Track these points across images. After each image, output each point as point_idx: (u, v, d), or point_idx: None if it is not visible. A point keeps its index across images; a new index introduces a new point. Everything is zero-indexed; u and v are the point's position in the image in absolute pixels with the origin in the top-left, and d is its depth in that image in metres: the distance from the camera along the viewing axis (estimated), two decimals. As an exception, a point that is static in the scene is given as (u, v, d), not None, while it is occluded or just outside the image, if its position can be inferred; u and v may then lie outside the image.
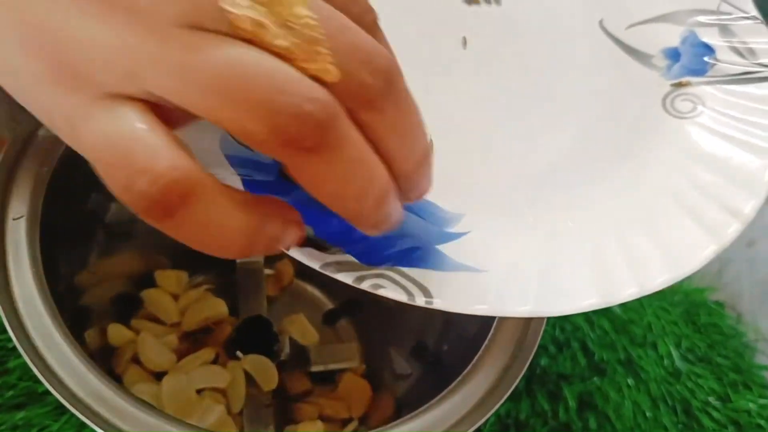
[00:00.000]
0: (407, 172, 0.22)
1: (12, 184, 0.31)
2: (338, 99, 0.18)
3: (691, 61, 0.35)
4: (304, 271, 0.49)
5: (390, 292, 0.26)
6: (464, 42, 0.34)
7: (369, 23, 0.20)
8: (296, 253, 0.26)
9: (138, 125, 0.18)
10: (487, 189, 0.31)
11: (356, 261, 0.26)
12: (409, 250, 0.27)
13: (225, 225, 0.19)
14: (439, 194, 0.29)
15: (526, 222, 0.30)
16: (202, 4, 0.17)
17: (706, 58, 0.35)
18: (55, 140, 0.33)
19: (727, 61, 0.35)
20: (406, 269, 0.27)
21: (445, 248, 0.28)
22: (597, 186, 0.32)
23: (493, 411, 0.30)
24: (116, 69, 0.18)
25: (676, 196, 0.31)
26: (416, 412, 0.30)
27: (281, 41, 0.17)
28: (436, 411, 0.30)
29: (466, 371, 0.31)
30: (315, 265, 0.26)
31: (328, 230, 0.27)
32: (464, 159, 0.32)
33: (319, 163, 0.18)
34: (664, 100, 0.34)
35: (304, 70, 0.18)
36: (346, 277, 0.26)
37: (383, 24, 0.34)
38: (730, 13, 0.36)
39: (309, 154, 0.18)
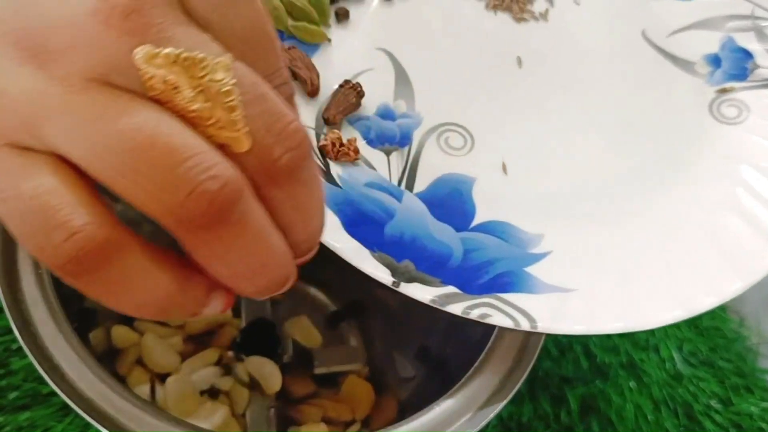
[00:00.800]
0: (299, 244, 0.19)
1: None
2: (246, 169, 0.17)
3: (732, 66, 0.36)
4: (307, 274, 0.49)
5: (497, 320, 0.28)
6: (519, 62, 0.35)
7: (287, 96, 0.19)
8: (405, 288, 0.28)
9: (50, 179, 0.16)
10: (561, 207, 0.32)
11: (460, 292, 0.28)
12: (501, 275, 0.29)
13: (145, 286, 0.17)
14: (517, 216, 0.31)
15: (601, 237, 0.32)
16: (115, 58, 0.16)
17: (745, 63, 0.36)
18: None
19: (766, 65, 0.36)
20: (505, 295, 0.29)
21: (533, 270, 0.30)
22: (658, 197, 0.33)
23: (495, 414, 0.30)
24: (15, 117, 0.16)
25: (733, 204, 0.32)
26: (418, 414, 0.30)
27: (194, 105, 0.16)
28: (438, 413, 0.30)
29: (468, 374, 0.31)
30: (425, 299, 0.28)
31: (425, 265, 0.29)
32: (536, 179, 0.33)
33: (213, 240, 0.17)
34: (710, 106, 0.35)
35: (215, 137, 0.16)
36: (454, 309, 0.28)
37: (445, 51, 0.35)
38: (764, 18, 0.37)
39: (202, 231, 0.16)
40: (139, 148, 0.16)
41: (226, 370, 0.41)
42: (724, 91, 0.35)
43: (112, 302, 0.17)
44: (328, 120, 0.31)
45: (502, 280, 0.29)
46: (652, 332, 0.52)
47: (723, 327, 0.55)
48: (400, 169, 0.31)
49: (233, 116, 0.16)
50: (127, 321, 0.42)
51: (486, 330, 0.34)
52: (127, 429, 0.28)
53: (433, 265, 0.29)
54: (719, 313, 0.56)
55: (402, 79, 0.33)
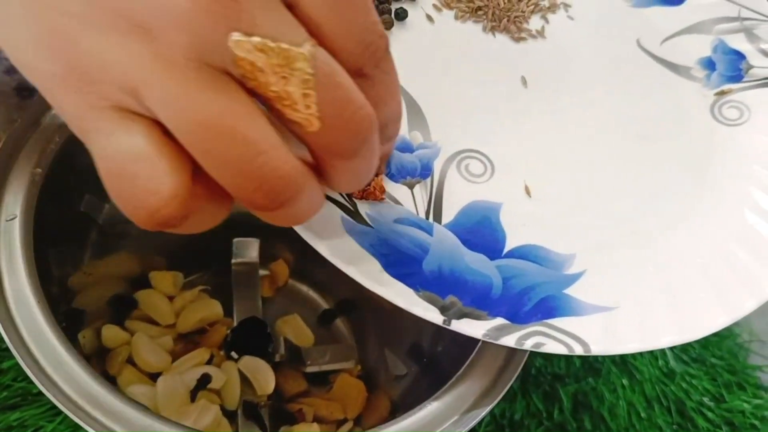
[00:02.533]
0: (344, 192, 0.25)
1: (5, 185, 0.31)
2: (314, 145, 0.20)
3: (727, 68, 0.37)
4: (299, 272, 0.49)
5: (551, 348, 0.28)
6: (524, 82, 0.35)
7: (383, 48, 0.21)
8: (456, 326, 0.28)
9: (142, 146, 0.19)
10: (588, 224, 0.32)
11: (509, 323, 0.28)
12: (544, 300, 0.29)
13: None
14: (547, 238, 0.31)
15: (632, 251, 0.32)
16: (211, 40, 0.18)
17: (739, 64, 0.36)
18: (49, 141, 0.33)
19: (759, 65, 0.36)
20: (552, 321, 0.29)
21: (572, 292, 0.30)
22: (682, 206, 0.33)
23: (487, 411, 0.30)
24: (123, 83, 0.18)
25: (752, 205, 0.33)
26: (410, 412, 0.30)
27: (275, 87, 0.19)
28: (430, 411, 0.30)
29: (460, 372, 0.31)
30: (477, 335, 0.28)
31: (469, 298, 0.29)
32: (559, 199, 0.33)
33: (271, 215, 0.21)
34: (712, 109, 0.36)
35: (289, 115, 0.19)
36: (507, 341, 0.28)
37: (450, 78, 0.35)
38: (751, 18, 0.37)
39: (265, 212, 0.20)
40: (220, 134, 0.18)
41: (218, 368, 0.41)
42: (722, 93, 0.36)
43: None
44: None
45: (547, 305, 0.29)
46: (644, 329, 0.52)
47: (715, 324, 0.55)
48: (426, 202, 0.31)
49: (307, 101, 0.19)
50: (117, 320, 0.42)
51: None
52: (114, 430, 0.28)
53: (477, 298, 0.29)
54: (711, 311, 0.56)
55: (413, 110, 0.33)
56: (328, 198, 0.29)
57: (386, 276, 0.28)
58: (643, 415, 0.48)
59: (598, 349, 0.28)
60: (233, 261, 0.45)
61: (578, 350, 0.28)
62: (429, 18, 0.36)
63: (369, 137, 0.20)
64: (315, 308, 0.48)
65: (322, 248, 0.28)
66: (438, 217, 0.31)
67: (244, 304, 0.44)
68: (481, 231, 0.31)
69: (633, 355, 0.51)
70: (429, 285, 0.29)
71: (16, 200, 0.31)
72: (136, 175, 0.19)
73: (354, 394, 0.43)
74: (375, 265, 0.28)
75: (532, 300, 0.29)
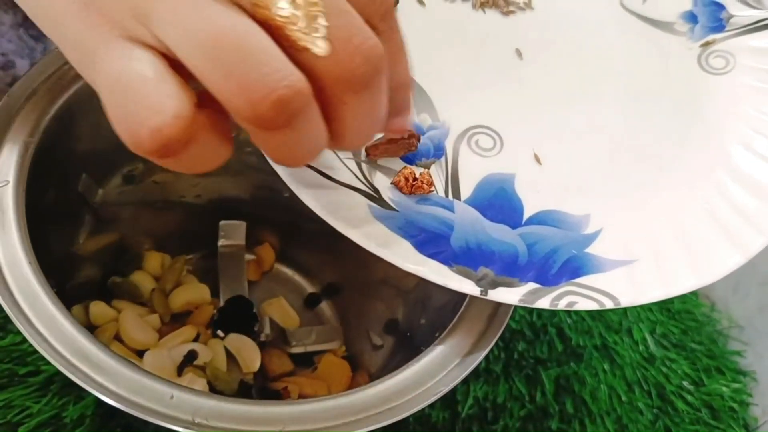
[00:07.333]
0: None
1: (-2, 152, 0.32)
2: (323, 75, 0.20)
3: (708, 19, 0.38)
4: (284, 257, 0.49)
5: (583, 305, 0.29)
6: (519, 54, 0.36)
7: (388, 3, 0.22)
8: (493, 295, 0.29)
9: (150, 69, 0.19)
10: (598, 183, 0.34)
11: (541, 286, 0.30)
12: (568, 261, 0.31)
13: (212, 157, 0.21)
14: (561, 201, 0.33)
15: (642, 204, 0.33)
16: None
17: (719, 14, 0.38)
18: (43, 113, 0.34)
19: (739, 13, 0.38)
20: (579, 280, 0.30)
21: (593, 250, 0.31)
22: (684, 155, 0.34)
23: (486, 352, 0.31)
24: (136, 9, 0.19)
25: (747, 143, 0.34)
26: (382, 378, 0.30)
27: (284, 12, 0.19)
28: (402, 377, 0.30)
29: (437, 340, 0.32)
30: (513, 301, 0.29)
31: (499, 268, 0.30)
32: (568, 162, 0.34)
33: (275, 137, 0.20)
34: (699, 60, 0.37)
35: (298, 40, 0.19)
36: (542, 303, 0.29)
37: (448, 59, 0.35)
38: None
39: (263, 131, 0.20)
40: (230, 46, 0.19)
41: (204, 345, 0.41)
42: (707, 44, 0.37)
43: (187, 169, 0.21)
44: (368, 154, 0.32)
45: (572, 266, 0.30)
46: (625, 315, 0.53)
47: (694, 311, 0.56)
48: (443, 180, 0.32)
49: (315, 23, 0.19)
50: (105, 301, 0.43)
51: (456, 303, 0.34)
52: (110, 387, 0.27)
53: (506, 267, 0.30)
54: (690, 298, 0.57)
55: (418, 92, 0.34)
56: (353, 188, 0.30)
57: (420, 256, 0.29)
58: (624, 398, 0.49)
59: (626, 300, 0.29)
60: (220, 243, 0.46)
61: (608, 304, 0.29)
62: (420, 2, 0.37)
63: (379, 68, 0.20)
64: (300, 292, 0.49)
65: (355, 236, 0.29)
66: (457, 194, 0.32)
67: (230, 285, 0.45)
68: (499, 203, 0.32)
69: (614, 341, 0.51)
70: (460, 260, 0.30)
71: (8, 167, 0.31)
72: (141, 93, 0.19)
73: (338, 374, 0.44)
74: (407, 246, 0.29)
75: (557, 262, 0.30)
